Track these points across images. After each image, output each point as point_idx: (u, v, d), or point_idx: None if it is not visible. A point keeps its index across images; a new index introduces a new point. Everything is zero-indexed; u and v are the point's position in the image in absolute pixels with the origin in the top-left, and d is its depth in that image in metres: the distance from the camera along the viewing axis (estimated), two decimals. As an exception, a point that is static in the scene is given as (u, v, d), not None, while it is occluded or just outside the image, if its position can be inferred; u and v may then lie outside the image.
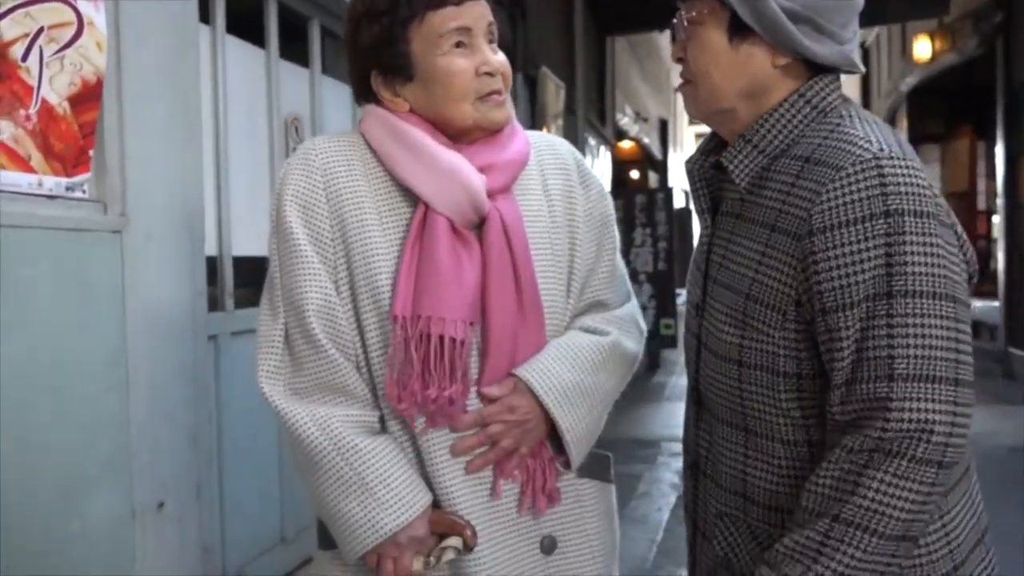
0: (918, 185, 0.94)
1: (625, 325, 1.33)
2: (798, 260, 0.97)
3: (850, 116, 1.04)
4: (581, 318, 1.31)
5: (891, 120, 11.04)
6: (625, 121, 10.61)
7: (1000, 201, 7.93)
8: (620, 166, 11.61)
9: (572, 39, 7.44)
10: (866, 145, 0.97)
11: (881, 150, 0.96)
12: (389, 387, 1.17)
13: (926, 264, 0.92)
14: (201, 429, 2.24)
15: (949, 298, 0.93)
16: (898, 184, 0.93)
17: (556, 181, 1.31)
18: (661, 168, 14.73)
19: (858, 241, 0.93)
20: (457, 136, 1.23)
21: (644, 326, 1.38)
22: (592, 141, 8.39)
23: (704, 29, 1.06)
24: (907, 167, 0.95)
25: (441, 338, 1.15)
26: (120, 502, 1.96)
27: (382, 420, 1.22)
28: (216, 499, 2.40)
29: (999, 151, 7.88)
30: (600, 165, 9.04)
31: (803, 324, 0.99)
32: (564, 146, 1.37)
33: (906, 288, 0.91)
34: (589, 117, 8.03)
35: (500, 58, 1.22)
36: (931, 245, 0.92)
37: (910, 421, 0.91)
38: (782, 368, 1.02)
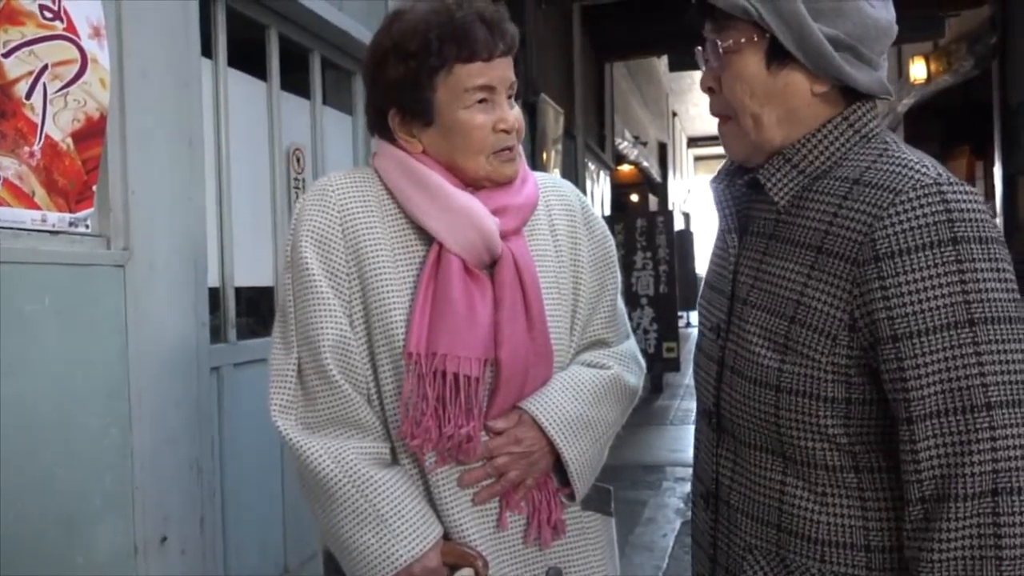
0: (980, 211, 0.94)
1: (625, 360, 1.34)
2: (854, 284, 0.95)
3: (895, 143, 1.03)
4: (582, 354, 1.33)
5: (889, 141, 11.05)
6: (624, 145, 10.66)
7: (999, 220, 7.95)
8: (620, 190, 11.66)
9: (571, 65, 7.51)
10: (923, 170, 0.96)
11: (939, 175, 0.95)
12: (404, 424, 1.18)
13: (998, 290, 0.91)
14: (204, 461, 2.24)
15: (1022, 320, 0.92)
16: (962, 211, 0.92)
17: (562, 223, 1.33)
18: (661, 191, 14.79)
19: (929, 267, 0.91)
20: (469, 184, 1.25)
21: (643, 362, 1.39)
22: (592, 166, 8.43)
23: (741, 57, 1.04)
24: (967, 193, 0.94)
25: (456, 376, 1.16)
26: (123, 535, 1.95)
27: (393, 452, 1.23)
28: (219, 531, 2.39)
29: (997, 171, 7.91)
30: (600, 189, 9.07)
31: (857, 350, 0.96)
32: (569, 188, 1.40)
33: (985, 315, 0.90)
34: (588, 142, 8.08)
35: (515, 113, 1.24)
36: (1000, 271, 0.92)
37: (1016, 448, 0.88)
38: (828, 394, 0.98)
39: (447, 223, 1.20)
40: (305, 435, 1.19)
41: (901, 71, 9.77)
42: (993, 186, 8.22)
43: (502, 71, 1.21)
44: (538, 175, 1.35)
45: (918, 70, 9.34)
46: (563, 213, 1.34)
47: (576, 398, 1.24)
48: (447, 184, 1.22)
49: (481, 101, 1.20)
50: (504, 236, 1.22)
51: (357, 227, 1.22)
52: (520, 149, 1.28)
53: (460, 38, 1.18)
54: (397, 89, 1.21)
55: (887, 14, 1.05)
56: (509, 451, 1.21)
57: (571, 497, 1.27)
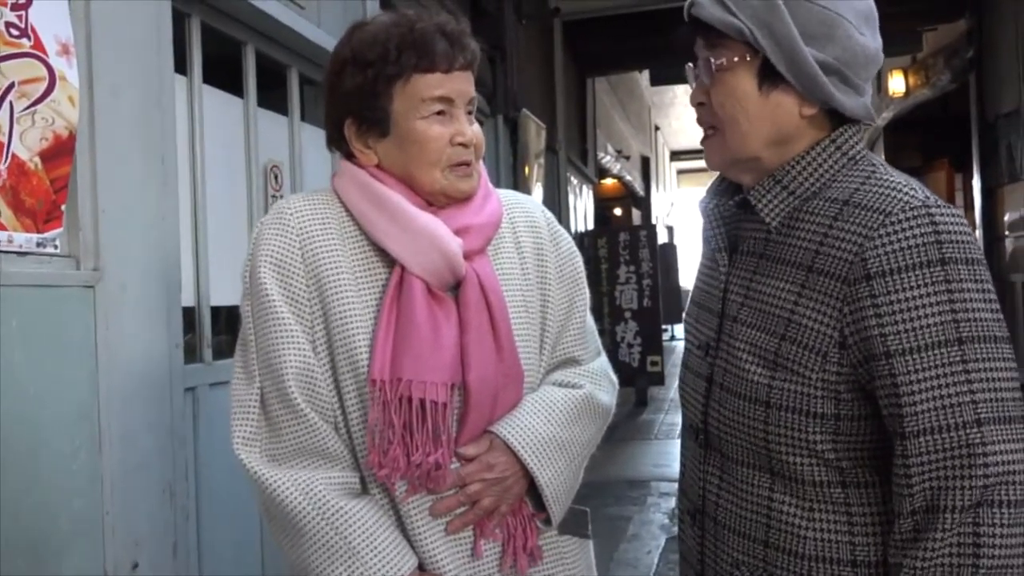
0: (966, 233, 0.98)
1: (597, 378, 1.32)
2: (844, 303, 0.98)
3: (882, 165, 1.06)
4: (553, 373, 1.30)
5: (869, 154, 11.15)
6: (607, 159, 10.68)
7: (979, 232, 8.00)
8: (603, 204, 11.69)
9: (552, 80, 7.52)
10: (912, 193, 0.99)
11: (927, 198, 0.99)
12: (371, 454, 1.15)
13: (984, 310, 0.95)
14: (178, 484, 2.20)
15: (1006, 340, 0.96)
16: (950, 233, 0.96)
17: (527, 240, 1.31)
18: (644, 205, 14.83)
19: (919, 286, 0.94)
20: (426, 199, 1.22)
21: (615, 379, 1.37)
22: (574, 180, 8.44)
23: (733, 75, 1.07)
24: (954, 215, 0.98)
25: (422, 401, 1.13)
26: (92, 561, 1.90)
27: (363, 481, 1.20)
28: (194, 556, 2.34)
29: (976, 184, 7.98)
30: (583, 203, 9.08)
31: (847, 367, 0.99)
32: (534, 204, 1.37)
33: (973, 334, 0.94)
34: (570, 156, 8.09)
35: (475, 129, 1.22)
36: (985, 291, 0.96)
37: (1004, 464, 0.91)
38: (818, 410, 1.00)
39: (408, 245, 1.17)
40: (271, 468, 1.15)
41: (880, 85, 9.85)
42: (972, 199, 8.29)
43: (461, 84, 1.20)
44: (501, 192, 1.33)
45: (897, 83, 9.45)
46: (528, 230, 1.32)
47: (548, 420, 1.22)
48: (407, 204, 1.19)
49: (439, 113, 1.18)
50: (468, 256, 1.20)
51: (317, 250, 1.19)
52: (482, 168, 1.26)
53: (419, 48, 1.16)
54: (355, 98, 1.20)
55: (874, 43, 1.07)
56: (481, 478, 1.18)
57: (547, 522, 1.25)
